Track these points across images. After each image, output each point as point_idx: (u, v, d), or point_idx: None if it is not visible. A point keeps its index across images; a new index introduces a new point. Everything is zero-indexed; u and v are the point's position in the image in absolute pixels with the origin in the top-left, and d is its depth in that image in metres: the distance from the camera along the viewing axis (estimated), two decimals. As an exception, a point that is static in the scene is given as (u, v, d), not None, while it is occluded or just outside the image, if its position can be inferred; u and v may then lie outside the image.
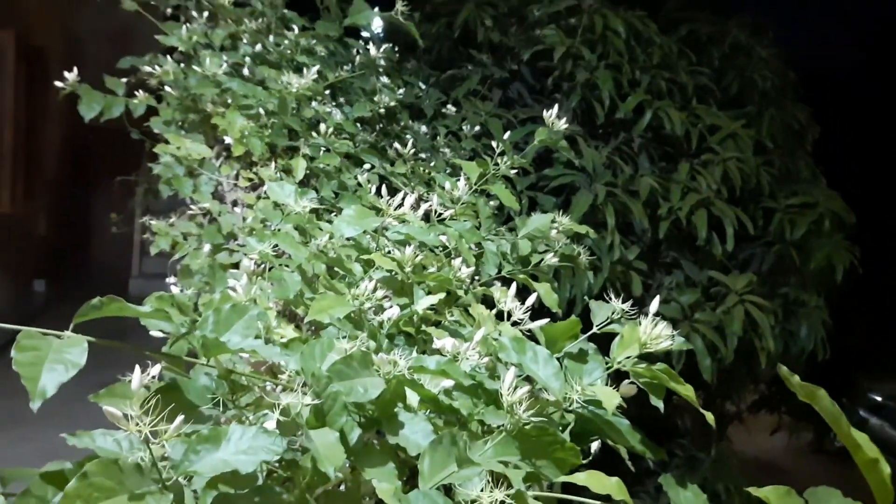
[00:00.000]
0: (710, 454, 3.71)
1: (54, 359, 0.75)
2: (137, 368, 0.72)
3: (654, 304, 0.92)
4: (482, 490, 0.75)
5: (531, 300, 1.16)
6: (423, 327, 1.27)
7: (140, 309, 0.86)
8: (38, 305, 6.40)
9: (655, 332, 0.85)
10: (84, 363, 0.76)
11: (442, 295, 1.29)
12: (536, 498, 0.77)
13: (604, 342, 1.04)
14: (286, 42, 2.22)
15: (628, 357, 0.91)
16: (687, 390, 0.88)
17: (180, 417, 0.70)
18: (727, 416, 4.55)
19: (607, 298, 1.07)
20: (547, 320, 1.09)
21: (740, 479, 3.61)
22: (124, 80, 2.09)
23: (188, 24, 2.17)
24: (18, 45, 5.00)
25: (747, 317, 2.99)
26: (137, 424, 0.69)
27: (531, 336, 1.16)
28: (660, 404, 0.89)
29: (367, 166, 2.02)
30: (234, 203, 1.90)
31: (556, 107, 1.65)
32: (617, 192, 2.85)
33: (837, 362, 3.85)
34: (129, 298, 0.89)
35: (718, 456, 3.66)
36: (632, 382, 0.94)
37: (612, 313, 1.03)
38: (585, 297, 2.67)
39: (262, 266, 1.42)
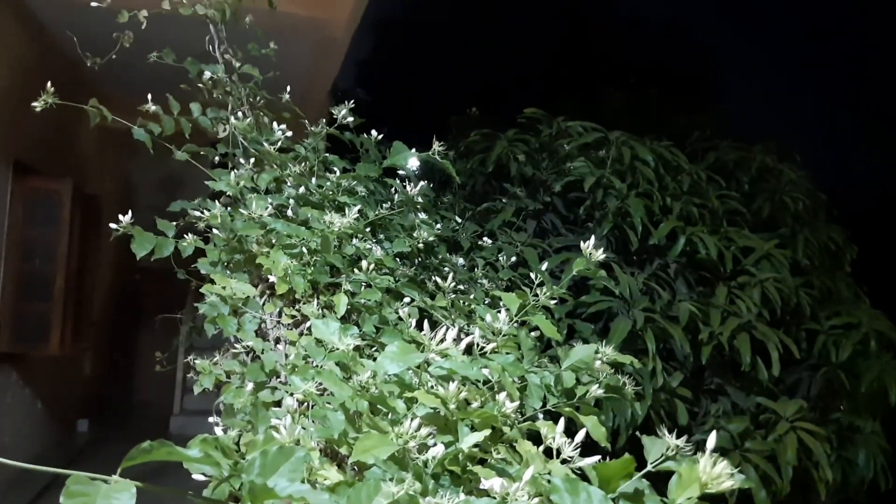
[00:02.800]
0: None
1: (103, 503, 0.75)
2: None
3: (712, 440, 0.89)
4: None
5: (580, 436, 1.14)
6: (469, 466, 1.24)
7: (188, 453, 0.86)
8: (81, 445, 6.40)
9: (716, 472, 0.83)
10: (132, 509, 0.76)
11: (487, 432, 1.27)
12: None
13: (657, 478, 1.01)
14: (328, 183, 2.32)
15: (688, 498, 0.88)
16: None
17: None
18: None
19: (655, 430, 1.04)
20: (598, 457, 1.06)
21: None
22: (174, 223, 2.18)
23: (235, 171, 2.28)
24: (75, 193, 5.27)
25: (801, 445, 2.87)
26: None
27: (582, 474, 1.13)
28: (724, 549, 0.85)
29: (407, 300, 2.05)
30: (277, 340, 1.92)
31: (592, 237, 1.68)
32: (656, 318, 2.83)
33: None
34: (170, 436, 0.90)
35: None
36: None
37: (667, 449, 1.00)
38: (629, 429, 2.60)
39: (305, 405, 1.43)
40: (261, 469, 0.94)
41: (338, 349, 1.43)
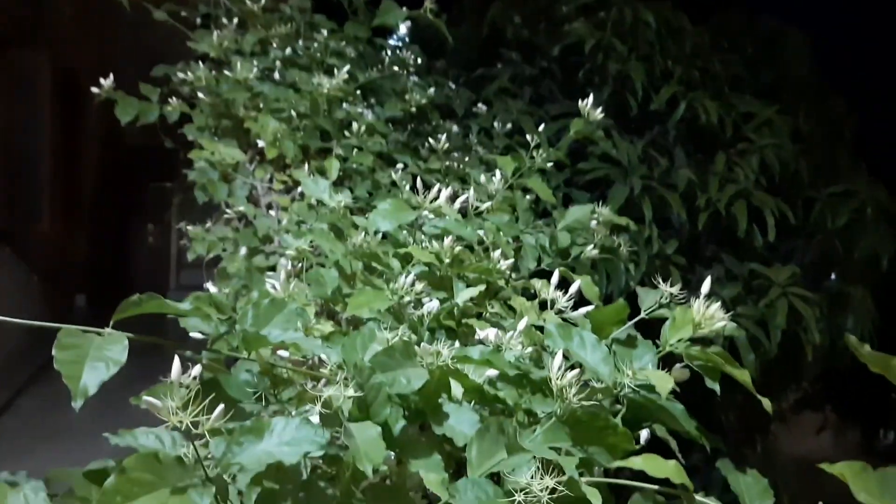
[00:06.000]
0: (757, 451, 3.62)
1: (95, 356, 0.74)
2: (177, 359, 0.70)
3: (706, 285, 0.88)
4: (532, 477, 0.72)
5: (574, 288, 1.13)
6: (464, 320, 1.25)
7: (179, 305, 0.85)
8: (79, 320, 6.51)
9: (710, 312, 0.82)
10: (125, 360, 0.75)
11: (482, 287, 1.27)
12: (589, 484, 0.74)
13: (649, 332, 1.00)
14: (315, 45, 2.22)
15: (681, 340, 0.88)
16: (742, 374, 0.85)
17: (221, 406, 0.68)
18: (771, 415, 4.45)
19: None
20: (591, 307, 1.06)
21: (788, 475, 3.52)
22: (158, 88, 2.11)
23: (218, 32, 2.18)
24: (54, 66, 5.10)
25: (791, 310, 2.91)
26: (178, 415, 0.67)
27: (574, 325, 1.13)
28: (715, 387, 0.85)
29: (399, 166, 2.01)
30: (269, 206, 1.90)
31: (590, 96, 1.62)
32: (654, 185, 2.80)
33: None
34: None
35: (765, 452, 3.57)
36: (685, 366, 0.91)
37: (661, 297, 0.99)
38: (623, 295, 2.62)
39: (300, 266, 1.42)
40: (254, 320, 0.93)
41: (330, 209, 1.41)
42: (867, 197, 3.26)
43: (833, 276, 3.45)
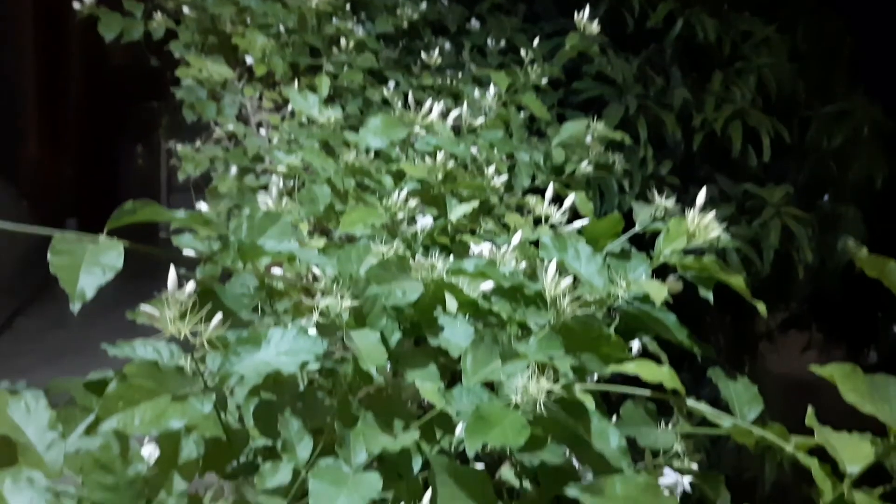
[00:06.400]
0: (745, 371, 3.70)
1: (91, 262, 0.74)
2: (172, 268, 0.70)
3: (702, 195, 0.88)
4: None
5: (568, 203, 1.13)
6: (458, 237, 1.24)
7: (174, 214, 0.85)
8: (73, 242, 6.52)
9: (705, 222, 0.82)
10: (121, 266, 0.75)
11: (475, 204, 1.26)
12: (583, 391, 0.76)
13: (644, 250, 1.00)
14: (302, -43, 2.14)
15: (675, 252, 0.88)
16: (737, 280, 0.86)
17: (219, 315, 0.68)
18: (759, 335, 4.52)
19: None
20: (585, 220, 1.06)
21: (775, 394, 3.61)
22: (142, 4, 2.04)
23: (202, -57, 2.10)
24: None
25: (784, 230, 2.93)
26: (175, 325, 0.68)
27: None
28: (709, 296, 0.86)
29: (392, 83, 1.97)
30: (259, 125, 1.87)
31: (587, 8, 1.58)
32: (649, 105, 2.77)
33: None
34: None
35: (753, 372, 3.65)
36: (678, 278, 0.91)
37: (656, 211, 0.99)
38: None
39: (292, 185, 1.40)
40: (248, 232, 0.93)
41: (320, 124, 1.39)
42: (863, 117, 3.24)
43: (826, 197, 3.46)
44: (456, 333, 0.89)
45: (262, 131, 1.85)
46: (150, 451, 0.77)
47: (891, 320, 6.39)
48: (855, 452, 0.61)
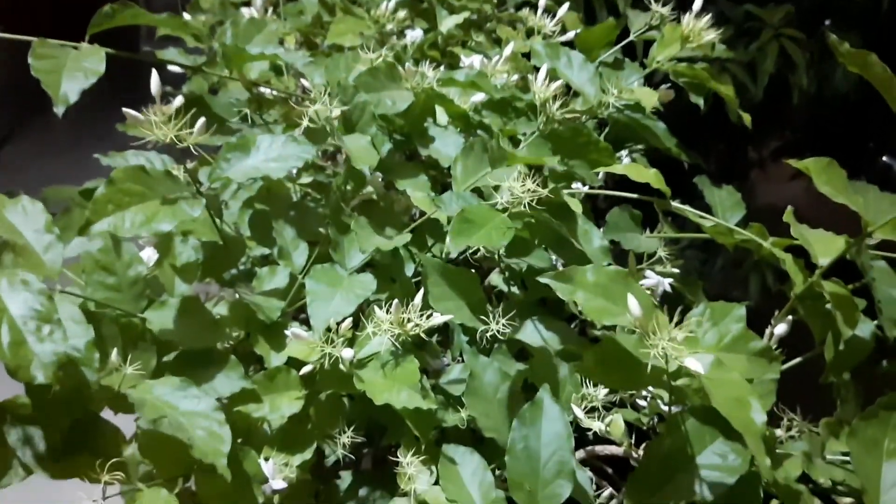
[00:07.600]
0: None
1: (73, 67, 0.72)
2: (154, 72, 0.68)
3: (698, 2, 0.85)
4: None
5: (562, 11, 1.09)
6: (449, 48, 1.22)
7: (156, 17, 0.82)
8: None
9: (700, 25, 0.80)
10: (103, 70, 0.73)
11: (466, 14, 1.22)
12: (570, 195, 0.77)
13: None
14: None
15: (670, 60, 0.86)
16: (727, 90, 0.85)
17: (203, 119, 0.67)
18: (751, 162, 4.54)
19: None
20: (579, 30, 1.03)
21: (763, 219, 3.67)
22: None
23: None
24: None
25: (782, 54, 2.85)
26: (161, 130, 0.66)
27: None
28: (700, 102, 0.86)
29: None
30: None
31: None
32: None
33: (872, 107, 3.74)
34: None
35: (743, 198, 3.69)
36: (670, 87, 0.90)
37: (651, 19, 0.96)
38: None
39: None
40: (233, 37, 0.90)
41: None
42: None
43: (828, 22, 3.34)
44: (446, 144, 0.90)
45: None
46: (149, 255, 0.79)
47: (881, 150, 6.40)
48: (827, 246, 0.64)
